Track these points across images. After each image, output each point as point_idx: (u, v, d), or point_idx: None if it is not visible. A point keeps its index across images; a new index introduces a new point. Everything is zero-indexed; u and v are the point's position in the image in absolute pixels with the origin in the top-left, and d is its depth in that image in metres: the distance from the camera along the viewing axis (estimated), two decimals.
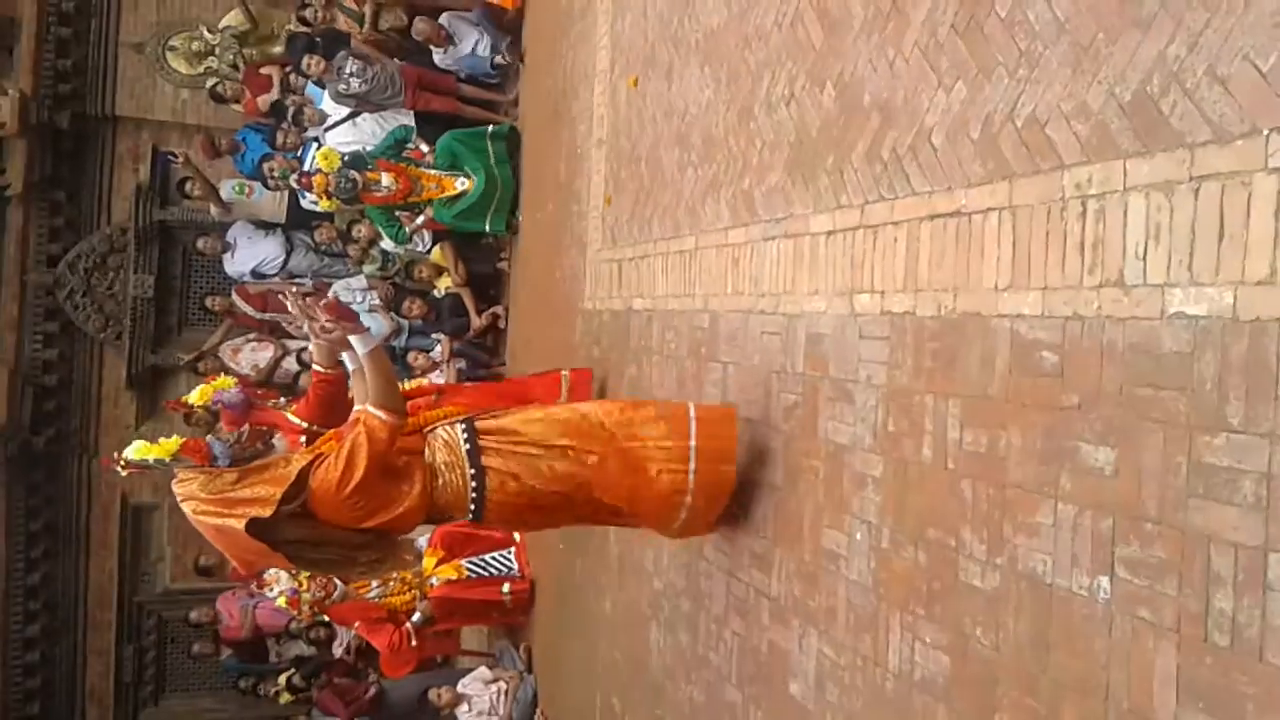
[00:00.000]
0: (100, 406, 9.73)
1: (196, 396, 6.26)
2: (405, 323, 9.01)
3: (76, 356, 9.68)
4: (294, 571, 3.51)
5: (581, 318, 6.32)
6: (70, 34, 9.27)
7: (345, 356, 3.65)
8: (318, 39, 8.63)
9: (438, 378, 8.59)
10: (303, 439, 5.61)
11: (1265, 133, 1.94)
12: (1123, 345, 2.25)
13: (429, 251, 8.84)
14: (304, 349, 9.14)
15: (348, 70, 8.33)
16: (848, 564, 3.27)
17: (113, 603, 9.74)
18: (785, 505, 3.68)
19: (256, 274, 9.57)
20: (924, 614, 2.88)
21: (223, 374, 6.56)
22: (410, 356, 8.75)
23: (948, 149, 2.86)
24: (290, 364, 9.23)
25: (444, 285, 8.83)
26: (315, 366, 5.34)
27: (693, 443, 3.71)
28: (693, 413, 3.77)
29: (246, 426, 4.94)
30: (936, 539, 2.84)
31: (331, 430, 3.80)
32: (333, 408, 4.31)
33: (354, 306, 9.19)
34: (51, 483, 9.44)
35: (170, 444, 5.31)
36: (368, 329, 3.56)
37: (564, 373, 5.91)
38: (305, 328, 3.59)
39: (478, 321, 8.69)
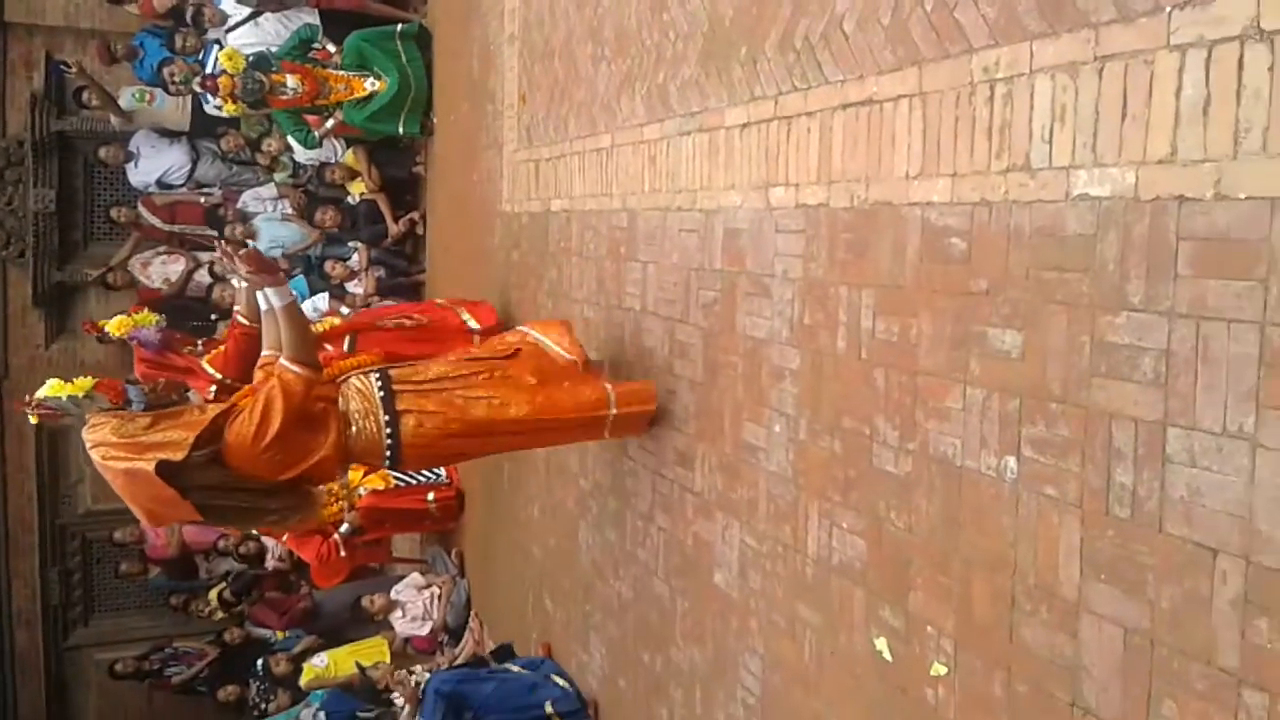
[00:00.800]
0: (7, 326, 9.40)
1: (114, 326, 6.09)
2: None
3: None
4: (200, 520, 3.43)
5: (500, 220, 6.22)
6: None
7: (259, 297, 3.54)
8: None
9: (355, 287, 8.45)
10: (212, 389, 5.51)
11: (1167, 10, 1.94)
12: (1029, 229, 2.27)
13: (341, 157, 8.61)
14: (215, 260, 8.90)
15: None
16: (767, 456, 3.31)
17: (34, 526, 9.55)
18: (706, 401, 3.71)
19: (162, 184, 9.23)
20: (840, 501, 2.93)
21: (146, 309, 6.32)
22: (328, 265, 8.56)
23: (859, 36, 2.83)
24: (202, 276, 8.98)
25: (358, 191, 8.62)
26: (238, 318, 5.22)
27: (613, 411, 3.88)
28: (613, 398, 3.89)
29: (163, 379, 4.85)
30: (851, 428, 2.88)
31: (246, 386, 3.76)
32: (250, 362, 4.23)
33: (265, 216, 8.96)
34: None
35: (85, 382, 5.20)
36: (285, 283, 3.48)
37: (464, 315, 5.87)
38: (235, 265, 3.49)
39: (395, 228, 8.53)
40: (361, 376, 3.64)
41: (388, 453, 3.60)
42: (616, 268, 4.49)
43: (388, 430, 3.56)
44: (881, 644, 2.74)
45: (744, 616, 3.46)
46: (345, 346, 5.58)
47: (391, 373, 3.68)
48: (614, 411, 3.85)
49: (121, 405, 5.01)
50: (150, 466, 3.13)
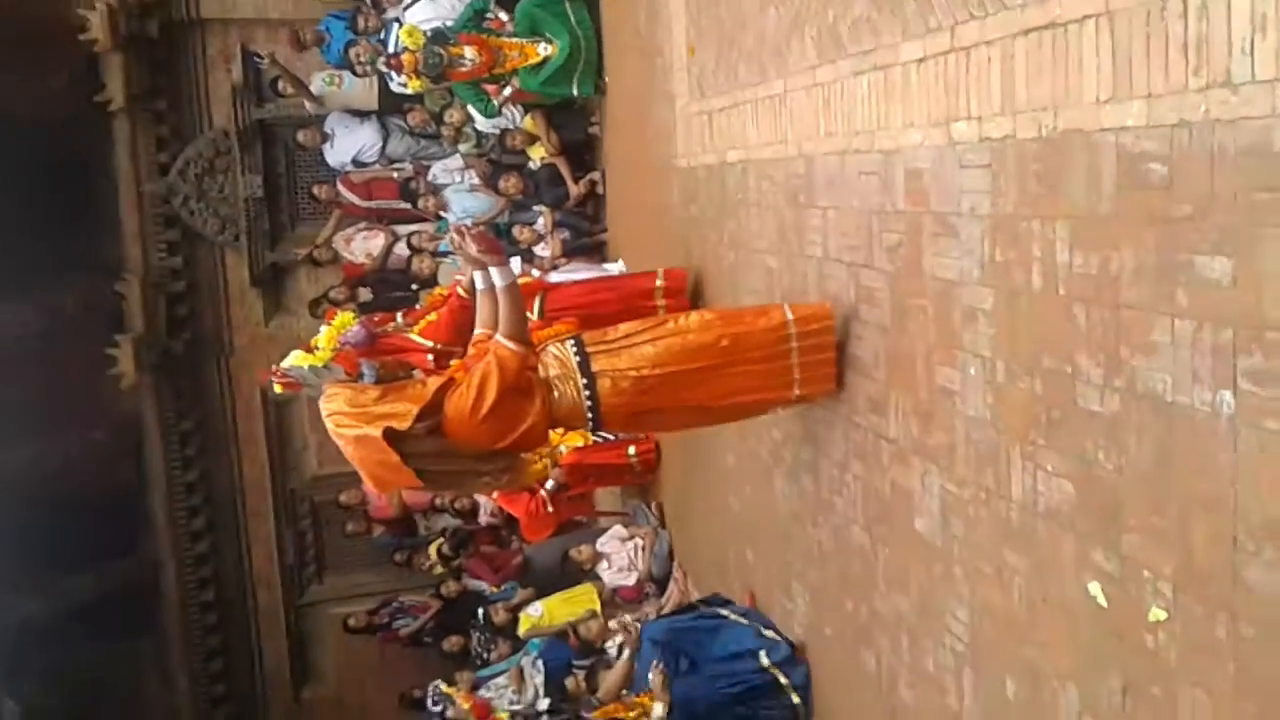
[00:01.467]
0: (229, 307, 10.09)
1: (323, 341, 6.45)
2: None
3: (200, 260, 10.01)
4: (420, 485, 3.72)
5: (677, 175, 6.24)
6: None
7: (478, 276, 3.73)
8: None
9: (543, 250, 8.65)
10: (430, 357, 5.82)
11: None
12: (1234, 149, 2.12)
13: (520, 123, 8.80)
14: (414, 233, 9.29)
15: None
16: (963, 400, 3.23)
17: (267, 492, 10.28)
18: (897, 347, 3.64)
19: (357, 162, 9.69)
20: (1044, 443, 2.84)
21: (340, 311, 6.64)
22: (515, 230, 8.81)
23: None
24: (401, 249, 9.39)
25: (538, 155, 8.79)
26: (460, 290, 5.48)
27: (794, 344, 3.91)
28: (790, 319, 3.91)
29: (390, 359, 5.15)
30: (1052, 367, 2.78)
31: (458, 361, 3.99)
32: (464, 332, 4.47)
33: (454, 187, 9.28)
34: (195, 384, 9.88)
35: (325, 353, 5.59)
36: (509, 264, 3.66)
37: (658, 282, 5.95)
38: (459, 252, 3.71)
39: (575, 190, 8.67)
40: (559, 344, 3.82)
41: (589, 414, 3.78)
42: (796, 216, 4.44)
43: (587, 393, 3.73)
44: (1095, 589, 2.65)
45: (948, 564, 3.40)
46: (535, 308, 5.75)
47: (584, 337, 3.84)
48: (794, 332, 3.87)
49: (355, 377, 5.35)
50: (378, 433, 3.40)
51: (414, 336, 5.97)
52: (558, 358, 3.77)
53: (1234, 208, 2.14)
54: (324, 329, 5.92)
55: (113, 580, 9.85)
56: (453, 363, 4.09)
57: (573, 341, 3.81)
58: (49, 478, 9.33)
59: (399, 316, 6.54)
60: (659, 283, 5.96)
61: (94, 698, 9.53)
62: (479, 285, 3.75)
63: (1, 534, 9.01)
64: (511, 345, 3.54)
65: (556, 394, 3.71)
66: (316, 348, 5.44)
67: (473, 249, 3.63)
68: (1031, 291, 2.84)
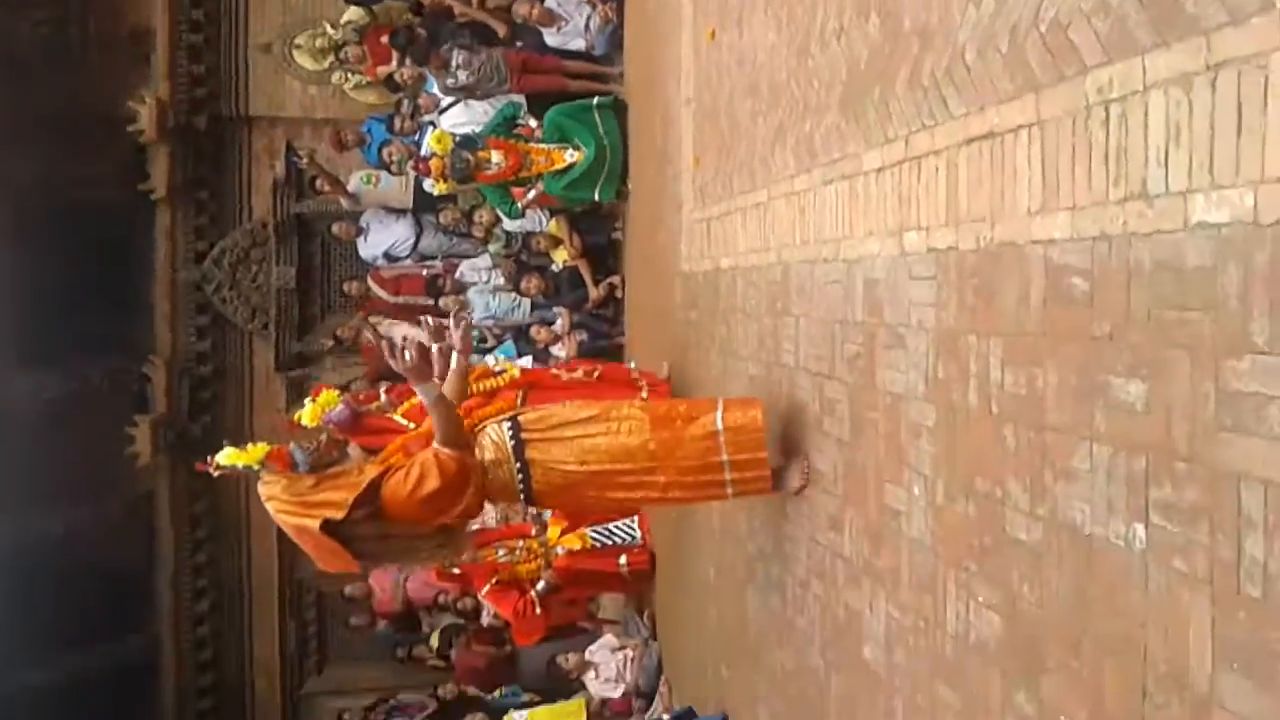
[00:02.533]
0: (253, 392, 10.20)
1: (308, 417, 6.45)
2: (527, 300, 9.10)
3: (228, 347, 10.17)
4: (361, 566, 3.74)
5: (680, 280, 6.21)
6: (202, 40, 9.68)
7: (419, 390, 3.73)
8: (419, 29, 8.78)
9: (559, 350, 8.64)
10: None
11: (1279, 6, 1.67)
12: (1149, 264, 2.00)
13: (545, 226, 8.88)
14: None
15: (454, 63, 8.45)
16: (908, 520, 3.07)
17: (274, 581, 10.23)
18: (853, 460, 3.50)
19: (389, 256, 9.84)
20: (976, 570, 2.67)
21: (325, 389, 6.67)
22: (532, 330, 8.82)
23: (979, 66, 2.62)
24: (421, 336, 9.44)
25: (560, 258, 8.85)
26: None
27: (724, 457, 3.85)
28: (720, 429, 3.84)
29: (324, 436, 5.12)
30: (984, 490, 2.63)
31: (396, 444, 4.00)
32: None
33: (478, 287, 9.36)
34: None
35: (257, 450, 5.57)
36: (432, 382, 3.64)
37: (632, 367, 5.93)
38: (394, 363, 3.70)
39: (595, 293, 8.69)
40: (496, 425, 3.84)
41: (521, 495, 3.84)
42: (774, 323, 4.36)
43: (520, 476, 3.78)
44: None
45: (890, 695, 3.20)
46: (518, 401, 5.68)
47: (520, 419, 3.85)
48: (724, 442, 3.79)
49: (290, 467, 5.32)
50: (315, 524, 3.43)
51: (397, 418, 5.93)
52: (494, 442, 3.80)
53: (1147, 327, 2.01)
54: (308, 404, 5.91)
55: (113, 657, 9.80)
56: (388, 448, 4.06)
57: (509, 424, 3.82)
58: (58, 548, 9.38)
59: (383, 394, 6.52)
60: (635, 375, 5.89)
61: None
62: (423, 399, 3.74)
63: (5, 601, 9.02)
64: (448, 451, 3.56)
65: (490, 476, 3.76)
66: (249, 447, 5.41)
67: (399, 366, 3.59)
68: (968, 409, 2.71)
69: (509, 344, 9.08)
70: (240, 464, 5.29)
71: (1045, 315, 2.37)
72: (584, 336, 8.70)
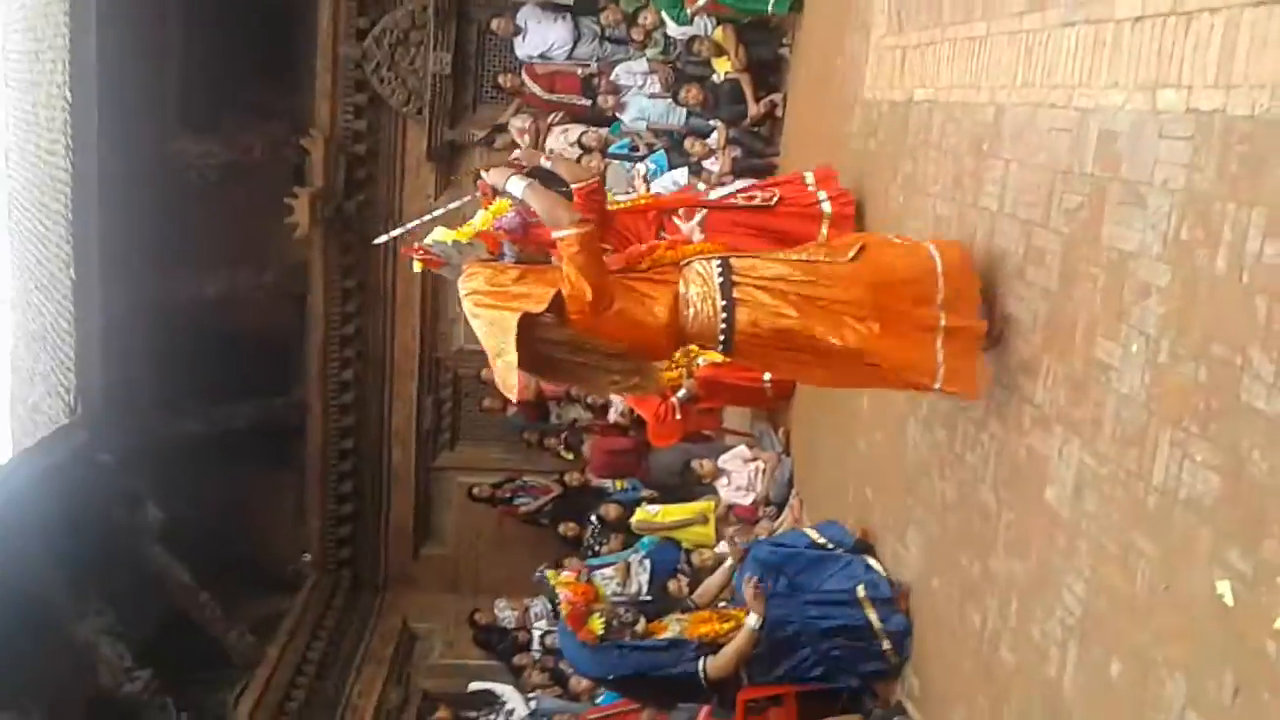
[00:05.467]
0: (404, 176, 10.43)
1: (479, 223, 6.58)
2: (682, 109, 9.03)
3: (382, 128, 10.35)
4: (547, 375, 3.76)
5: (860, 108, 6.12)
6: None
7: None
8: None
9: (712, 164, 8.63)
10: None
11: None
12: None
13: (711, 33, 8.72)
14: (585, 131, 9.38)
15: None
16: (1119, 376, 3.15)
17: (415, 356, 10.74)
18: (1060, 312, 3.55)
19: (544, 57, 9.80)
20: (1198, 432, 2.76)
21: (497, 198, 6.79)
22: (687, 143, 8.80)
23: None
24: (572, 138, 9.50)
25: (723, 69, 8.71)
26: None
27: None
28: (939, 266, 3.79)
29: (533, 245, 5.28)
30: (1221, 356, 2.68)
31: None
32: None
33: (635, 90, 9.30)
34: (362, 244, 10.31)
35: (469, 230, 5.76)
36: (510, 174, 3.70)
37: (807, 176, 5.87)
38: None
39: (755, 109, 8.58)
40: (703, 261, 3.74)
41: (721, 337, 3.70)
42: (976, 164, 4.33)
43: (723, 315, 3.65)
44: (1225, 587, 2.59)
45: (1073, 536, 3.36)
46: (695, 227, 5.75)
47: (733, 262, 3.74)
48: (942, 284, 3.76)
49: (497, 257, 5.49)
50: (514, 316, 3.38)
51: None
52: (700, 275, 3.69)
53: None
54: (480, 214, 6.07)
55: (264, 414, 10.50)
56: None
57: (719, 262, 3.72)
58: (217, 309, 9.94)
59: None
60: (823, 203, 5.86)
61: (231, 519, 10.24)
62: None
63: (169, 357, 9.67)
64: (563, 233, 3.50)
65: (692, 311, 3.65)
66: (460, 228, 5.58)
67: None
68: (1213, 275, 2.73)
69: (661, 154, 9.08)
70: (450, 241, 5.47)
71: None
72: (738, 152, 8.66)
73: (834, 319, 3.70)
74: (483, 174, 3.71)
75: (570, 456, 9.70)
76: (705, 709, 5.31)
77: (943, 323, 3.76)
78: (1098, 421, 3.25)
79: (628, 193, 7.99)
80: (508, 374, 3.40)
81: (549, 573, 7.14)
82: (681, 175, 8.51)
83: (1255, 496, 2.51)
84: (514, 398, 3.59)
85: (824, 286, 3.73)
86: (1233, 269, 2.66)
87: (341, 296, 10.40)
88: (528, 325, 3.40)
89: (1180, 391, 2.84)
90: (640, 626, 5.20)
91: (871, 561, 5.09)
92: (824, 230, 5.71)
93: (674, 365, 7.56)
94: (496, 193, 4.58)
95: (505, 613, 8.94)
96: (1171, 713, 2.78)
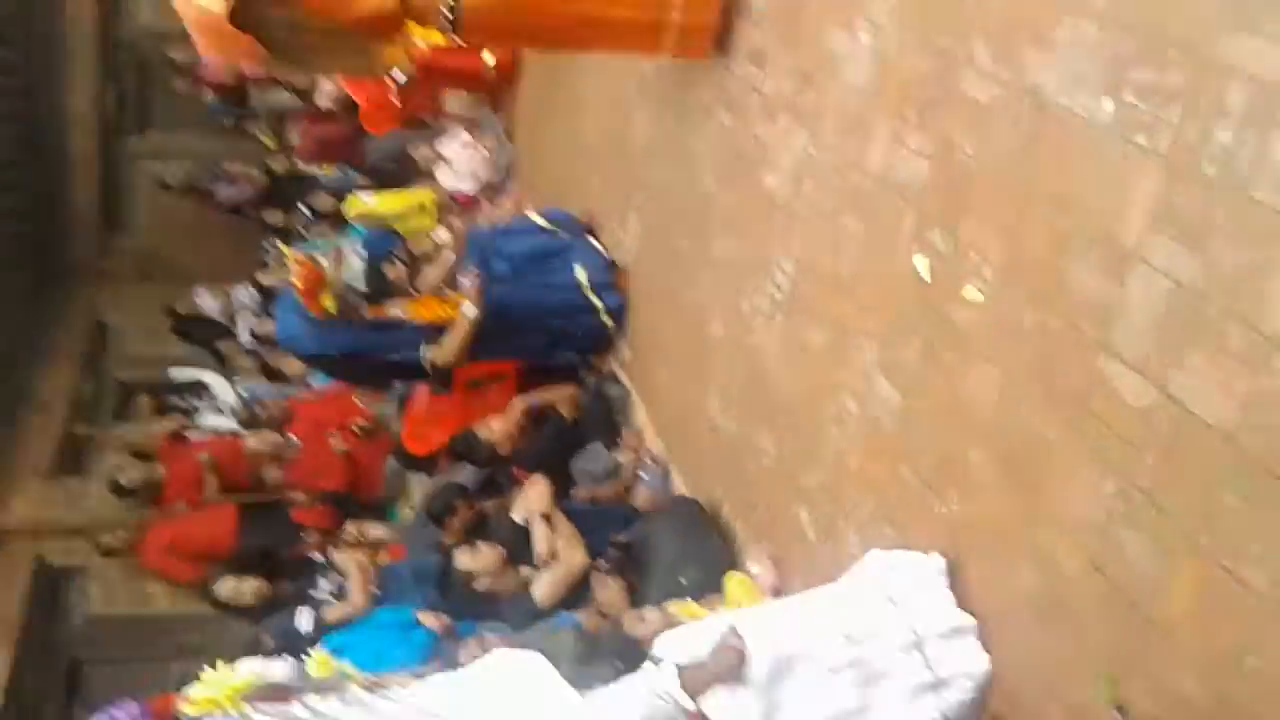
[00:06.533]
0: None
1: None
2: None
3: None
4: (266, 56, 3.54)
5: None
6: None
7: None
8: None
9: None
10: None
11: None
12: None
13: None
14: None
15: None
16: (847, 65, 3.19)
17: (92, 36, 9.44)
18: None
19: None
20: (915, 121, 2.86)
21: None
22: None
23: None
24: None
25: None
26: None
27: None
28: None
29: None
30: (944, 46, 2.75)
31: None
32: None
33: None
34: None
35: None
36: None
37: None
38: None
39: None
40: None
41: (448, 11, 3.60)
42: None
43: None
44: (922, 263, 2.78)
45: (789, 219, 3.50)
46: None
47: None
48: None
49: None
50: (224, 7, 3.21)
51: None
52: None
53: None
54: None
55: None
56: None
57: None
58: None
59: None
60: None
61: None
62: None
63: None
64: None
65: None
66: None
67: None
68: None
69: None
70: None
71: None
72: None
73: None
74: None
75: (273, 145, 9.06)
76: (424, 387, 5.37)
77: None
78: (821, 110, 3.32)
79: None
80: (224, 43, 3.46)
81: (285, 249, 6.80)
82: None
83: (960, 181, 2.66)
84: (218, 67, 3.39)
85: None
86: None
87: None
88: (242, 13, 3.25)
89: (903, 83, 2.92)
90: (364, 310, 5.10)
91: (593, 241, 5.16)
92: None
93: (394, 44, 7.07)
94: None
95: (208, 302, 8.53)
96: (860, 371, 3.05)
